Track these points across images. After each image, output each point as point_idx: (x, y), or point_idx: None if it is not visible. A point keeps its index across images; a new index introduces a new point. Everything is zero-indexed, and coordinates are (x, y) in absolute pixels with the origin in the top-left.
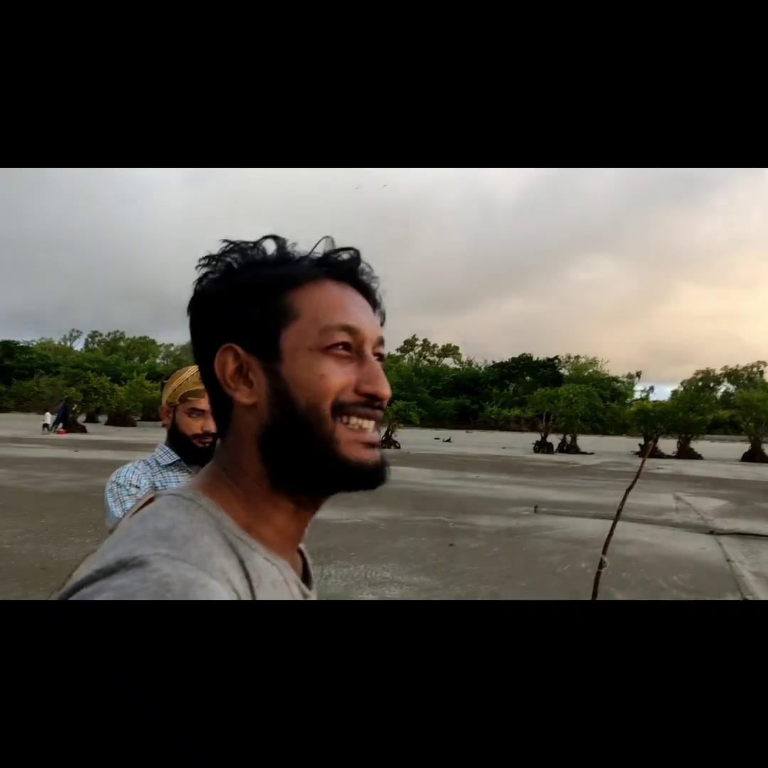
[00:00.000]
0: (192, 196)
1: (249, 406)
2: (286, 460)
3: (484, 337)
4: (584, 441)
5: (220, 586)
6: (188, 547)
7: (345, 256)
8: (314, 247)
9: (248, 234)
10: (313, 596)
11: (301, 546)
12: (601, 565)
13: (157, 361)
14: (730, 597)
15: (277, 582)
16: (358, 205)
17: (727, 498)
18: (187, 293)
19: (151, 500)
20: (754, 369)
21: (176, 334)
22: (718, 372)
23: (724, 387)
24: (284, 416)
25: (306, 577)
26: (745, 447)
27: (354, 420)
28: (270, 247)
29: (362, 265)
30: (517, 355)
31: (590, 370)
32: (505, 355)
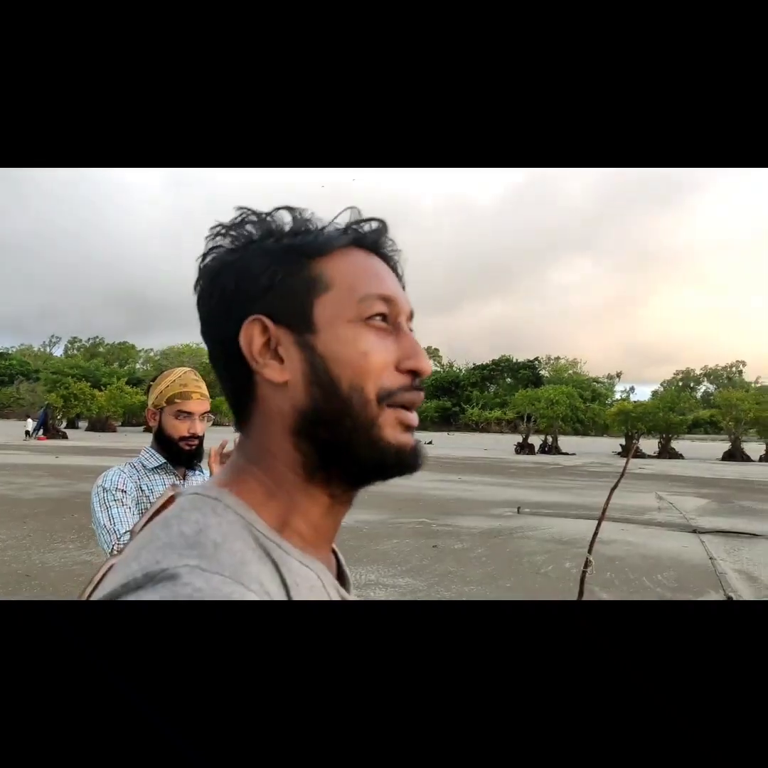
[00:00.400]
0: (173, 201)
1: (279, 384)
2: (323, 445)
3: (465, 339)
4: (565, 442)
5: (258, 598)
6: (220, 555)
7: (372, 225)
8: (337, 216)
9: None
10: (351, 598)
11: (334, 545)
12: (587, 564)
13: (137, 366)
14: (713, 594)
15: (315, 587)
16: (335, 205)
17: (709, 497)
18: (167, 299)
19: (171, 499)
20: (733, 368)
21: (156, 339)
22: (697, 372)
23: (704, 387)
24: (323, 396)
25: (341, 578)
26: (726, 446)
27: (402, 411)
28: (286, 218)
29: (388, 236)
30: (497, 357)
31: (570, 371)
32: (485, 357)
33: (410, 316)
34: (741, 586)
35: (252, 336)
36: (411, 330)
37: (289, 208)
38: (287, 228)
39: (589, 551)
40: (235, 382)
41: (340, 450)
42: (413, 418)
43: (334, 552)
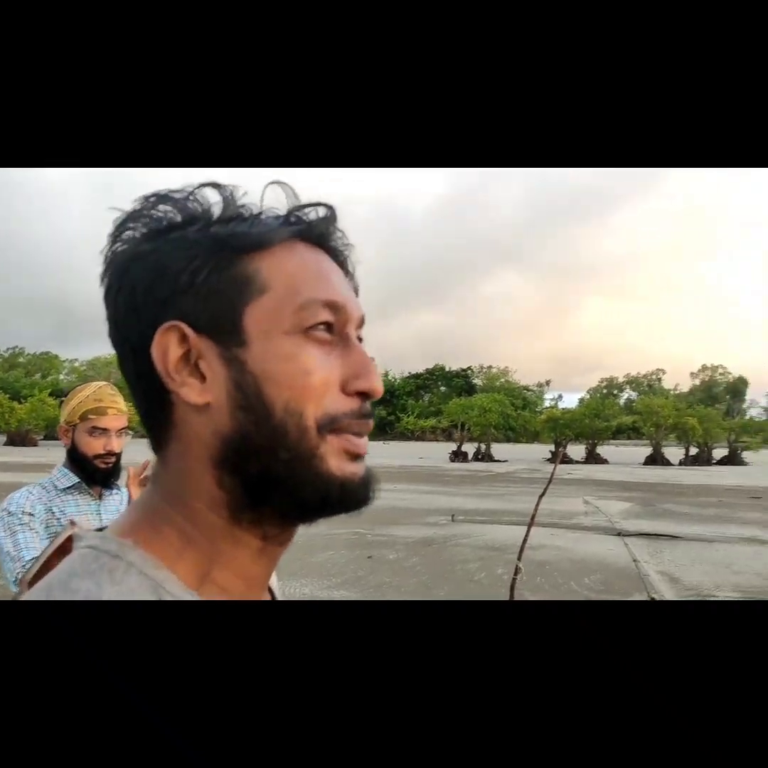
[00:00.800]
0: (100, 206)
1: (200, 406)
2: (252, 480)
3: (399, 348)
4: (498, 449)
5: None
6: None
7: (318, 212)
8: (263, 193)
9: None
10: None
11: (271, 578)
12: (517, 571)
13: (61, 377)
14: (637, 596)
15: None
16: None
17: (632, 500)
18: (95, 307)
19: (69, 539)
20: (654, 376)
21: (83, 349)
22: (620, 380)
23: (627, 394)
24: (253, 422)
25: None
26: (647, 451)
27: (348, 436)
28: (212, 197)
29: (336, 225)
30: (431, 366)
31: (502, 380)
32: (419, 366)
33: (360, 323)
34: (663, 587)
35: (167, 347)
36: (360, 340)
37: (216, 185)
38: (215, 212)
39: (519, 558)
40: (147, 400)
41: (272, 486)
42: (361, 445)
43: (270, 589)
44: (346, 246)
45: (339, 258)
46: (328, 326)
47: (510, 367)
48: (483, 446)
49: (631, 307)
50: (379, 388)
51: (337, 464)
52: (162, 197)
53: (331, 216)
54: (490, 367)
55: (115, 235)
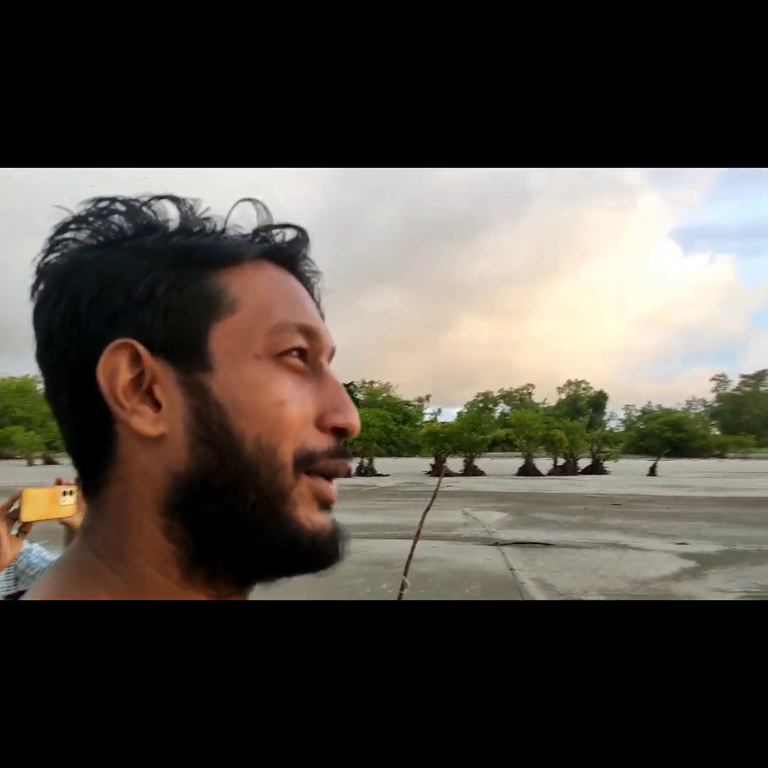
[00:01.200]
0: None
1: (152, 439)
2: (208, 528)
3: None
4: (380, 463)
5: None
6: None
7: (286, 235)
8: (230, 212)
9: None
10: None
11: None
12: (403, 586)
13: None
14: None
15: None
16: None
17: (507, 510)
18: None
19: None
20: (525, 391)
21: None
22: (495, 394)
23: (501, 408)
24: (216, 458)
25: None
26: (520, 462)
27: (321, 481)
28: (170, 212)
29: (307, 250)
30: None
31: (384, 395)
32: None
33: (331, 355)
34: (537, 593)
35: (116, 367)
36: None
37: (174, 199)
38: (175, 225)
39: (405, 573)
40: (84, 433)
41: (233, 534)
42: (333, 492)
43: None
44: (313, 273)
45: (306, 285)
46: (302, 353)
47: (391, 382)
48: (366, 461)
49: (502, 326)
50: (356, 424)
51: (306, 514)
52: (112, 203)
53: (301, 239)
54: (372, 382)
55: (53, 242)
